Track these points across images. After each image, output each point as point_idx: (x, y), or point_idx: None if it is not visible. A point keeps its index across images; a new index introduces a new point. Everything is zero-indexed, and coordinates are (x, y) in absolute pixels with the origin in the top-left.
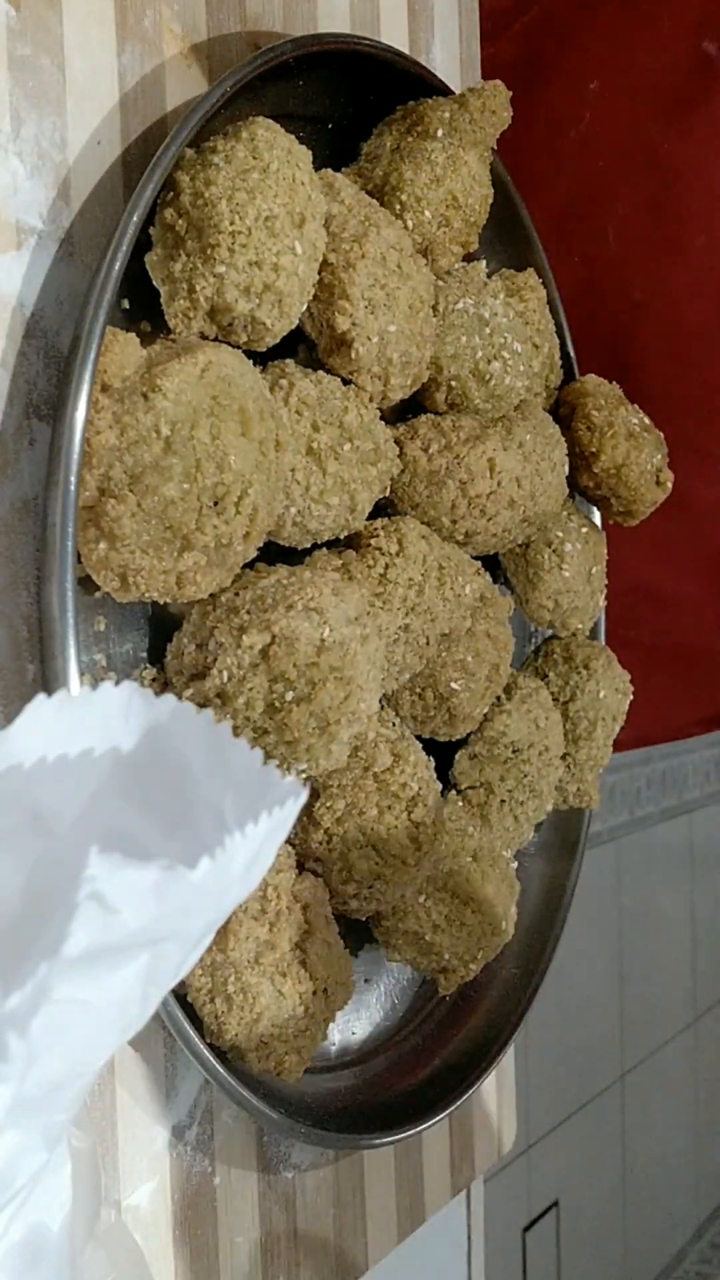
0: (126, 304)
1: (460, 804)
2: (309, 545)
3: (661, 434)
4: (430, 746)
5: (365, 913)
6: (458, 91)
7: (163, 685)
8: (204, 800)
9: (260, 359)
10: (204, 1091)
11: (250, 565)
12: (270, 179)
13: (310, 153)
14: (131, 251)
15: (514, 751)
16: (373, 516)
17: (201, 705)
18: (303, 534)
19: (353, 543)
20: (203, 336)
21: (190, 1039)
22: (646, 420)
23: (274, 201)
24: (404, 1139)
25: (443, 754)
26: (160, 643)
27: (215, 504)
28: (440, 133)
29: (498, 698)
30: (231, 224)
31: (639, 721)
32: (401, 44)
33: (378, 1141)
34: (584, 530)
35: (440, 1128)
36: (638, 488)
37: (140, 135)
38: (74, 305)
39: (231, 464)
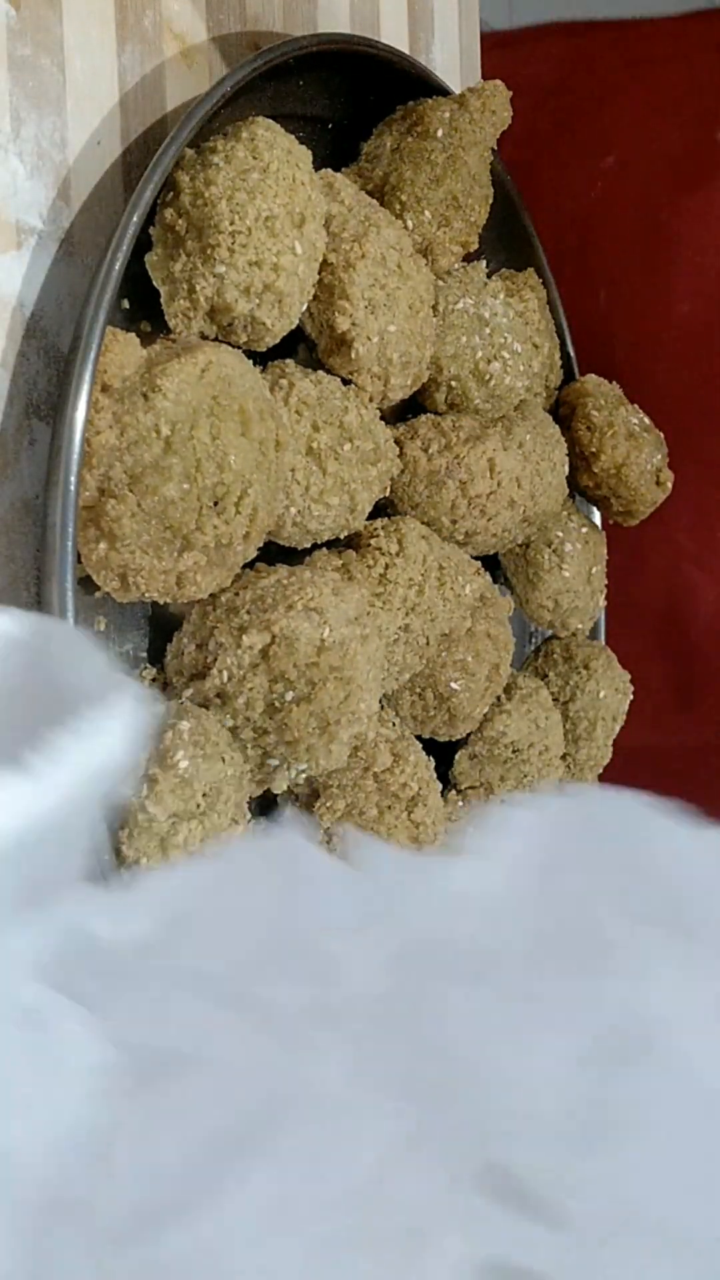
0: (126, 304)
1: (460, 804)
2: (309, 545)
3: (661, 434)
4: (430, 746)
5: None
6: (458, 91)
7: (163, 685)
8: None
9: (260, 359)
10: None
11: (250, 565)
12: (270, 179)
13: (310, 153)
14: (131, 251)
15: (514, 751)
16: (373, 516)
17: (202, 705)
18: (303, 534)
19: (353, 543)
20: (203, 336)
21: None
22: (646, 420)
23: (274, 201)
24: None
25: (443, 754)
26: (160, 643)
27: (215, 504)
28: (440, 133)
29: (498, 698)
30: (231, 224)
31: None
32: (401, 44)
33: None
34: (584, 530)
35: None
36: (638, 488)
37: (140, 135)
38: (74, 305)
39: (231, 464)
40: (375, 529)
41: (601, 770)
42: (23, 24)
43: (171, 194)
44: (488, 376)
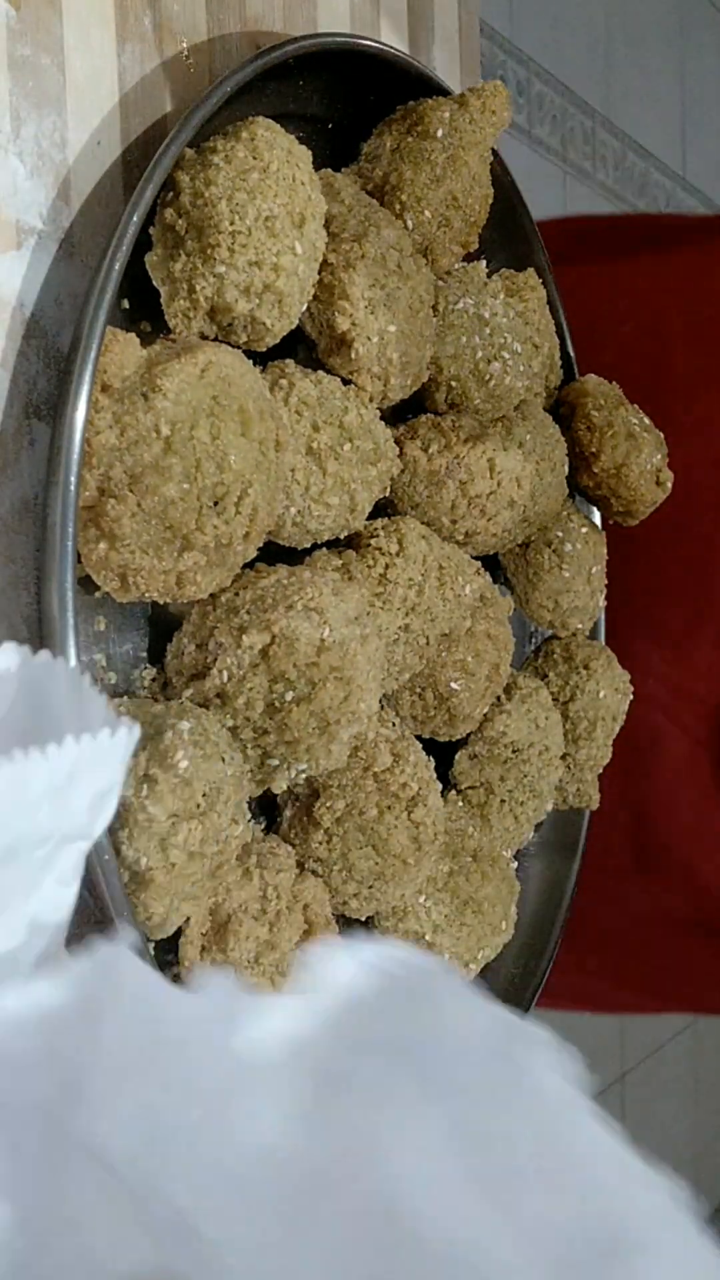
0: (126, 304)
1: (460, 804)
2: (309, 545)
3: (661, 434)
4: (430, 746)
5: (365, 913)
6: (458, 91)
7: (163, 685)
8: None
9: (260, 359)
10: None
11: (250, 565)
12: (270, 179)
13: (310, 153)
14: (131, 251)
15: (514, 751)
16: (373, 516)
17: (201, 705)
18: (303, 534)
19: (353, 543)
20: (203, 336)
21: None
22: (646, 420)
23: (274, 201)
24: None
25: (443, 754)
26: (160, 643)
27: (215, 504)
28: (440, 133)
29: (498, 698)
30: (231, 224)
31: None
32: (401, 44)
33: None
34: (584, 530)
35: None
36: (638, 488)
37: (140, 135)
38: (74, 305)
39: (231, 464)
40: (375, 529)
41: (601, 770)
42: (23, 24)
43: (171, 194)
44: (488, 376)
